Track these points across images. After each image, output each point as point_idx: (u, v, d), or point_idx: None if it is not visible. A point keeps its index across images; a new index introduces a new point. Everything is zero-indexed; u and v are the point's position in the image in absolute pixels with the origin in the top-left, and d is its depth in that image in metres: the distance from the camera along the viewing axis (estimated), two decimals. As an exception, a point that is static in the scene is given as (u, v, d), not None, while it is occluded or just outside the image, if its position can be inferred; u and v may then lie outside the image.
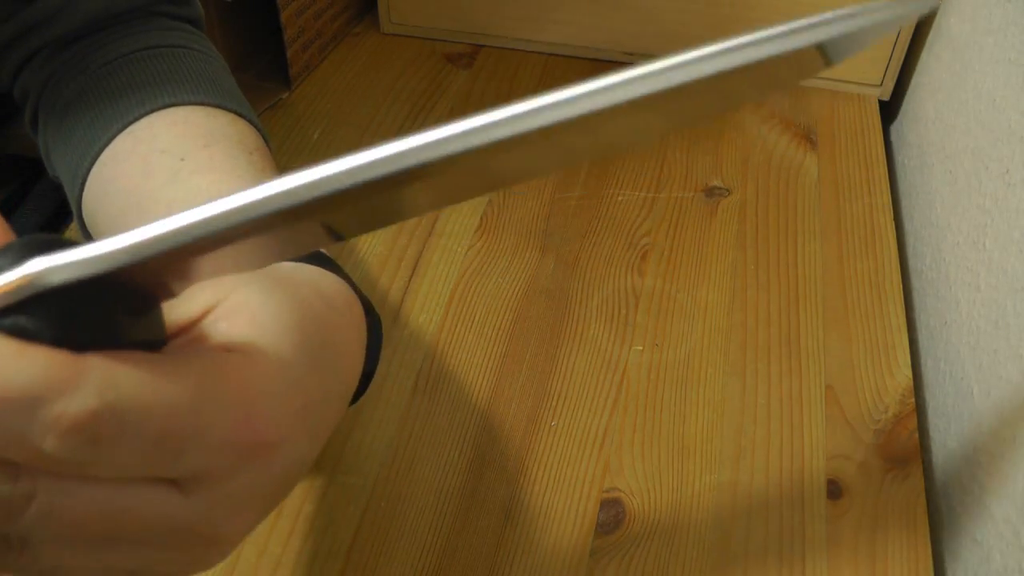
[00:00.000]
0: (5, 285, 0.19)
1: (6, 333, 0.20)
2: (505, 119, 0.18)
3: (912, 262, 0.63)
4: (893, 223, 0.62)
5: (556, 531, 0.44)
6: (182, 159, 0.38)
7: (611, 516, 0.45)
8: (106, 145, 0.41)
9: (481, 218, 0.62)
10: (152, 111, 0.41)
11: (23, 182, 0.64)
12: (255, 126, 0.43)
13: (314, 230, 0.21)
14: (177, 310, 0.27)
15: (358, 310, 0.35)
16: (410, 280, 0.57)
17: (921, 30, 0.73)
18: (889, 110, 0.78)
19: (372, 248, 0.59)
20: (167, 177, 0.38)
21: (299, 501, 0.45)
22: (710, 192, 0.64)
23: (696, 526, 0.44)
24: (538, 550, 0.43)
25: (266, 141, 0.43)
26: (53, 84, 0.44)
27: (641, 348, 0.53)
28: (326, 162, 0.19)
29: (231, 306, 0.28)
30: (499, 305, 0.55)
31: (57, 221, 0.60)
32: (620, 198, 0.64)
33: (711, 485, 0.46)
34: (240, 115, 0.43)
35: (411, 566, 0.43)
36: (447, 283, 0.57)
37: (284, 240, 0.22)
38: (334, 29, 0.81)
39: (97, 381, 0.21)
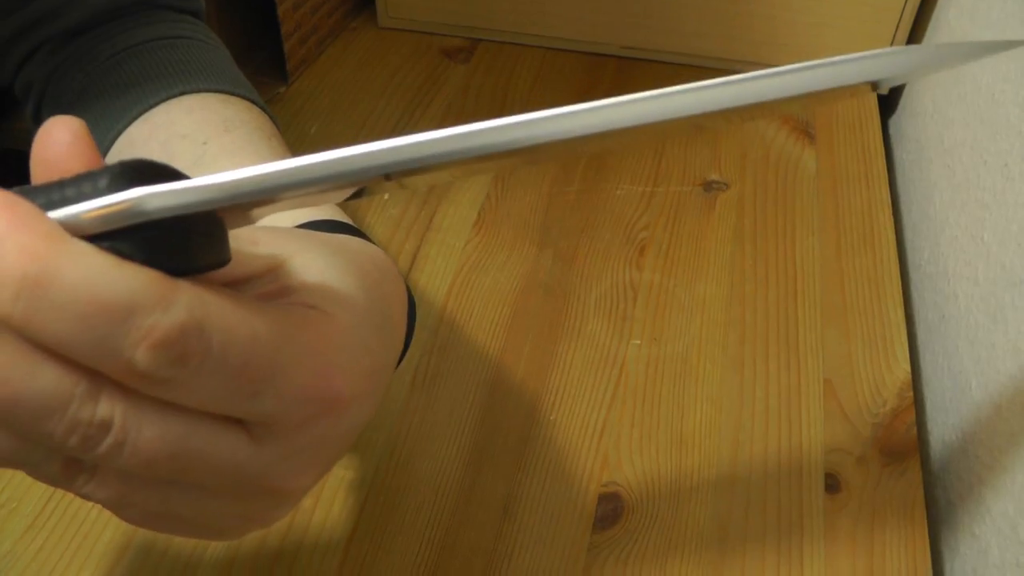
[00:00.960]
0: (104, 208, 0.20)
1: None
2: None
3: (910, 256, 0.63)
4: (892, 217, 0.62)
5: (554, 525, 0.44)
6: (204, 143, 0.39)
7: (609, 510, 0.45)
8: (120, 132, 0.41)
9: (479, 213, 0.62)
10: (168, 99, 0.41)
11: (20, 178, 0.64)
12: (267, 113, 0.44)
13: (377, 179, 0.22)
14: (242, 261, 0.27)
15: (401, 283, 0.36)
16: (408, 274, 0.57)
17: (920, 23, 0.73)
18: (887, 104, 0.78)
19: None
20: (191, 160, 0.38)
21: (297, 495, 0.45)
22: (708, 186, 0.64)
23: (694, 519, 0.44)
24: (536, 544, 0.43)
25: (278, 129, 0.43)
26: (58, 77, 0.44)
27: (639, 342, 0.53)
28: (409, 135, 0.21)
29: (300, 265, 0.28)
30: (497, 300, 0.55)
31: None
32: (618, 192, 0.64)
33: (709, 479, 0.46)
34: (253, 102, 0.43)
35: (410, 560, 0.43)
36: (445, 278, 0.57)
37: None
38: (331, 23, 0.81)
39: (188, 300, 0.21)
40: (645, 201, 0.63)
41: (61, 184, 0.20)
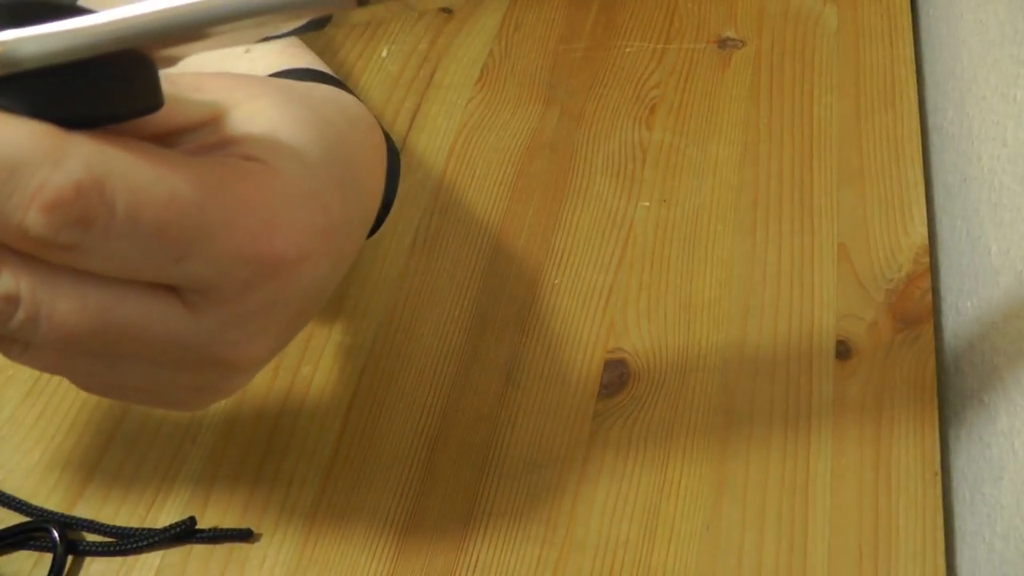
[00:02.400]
0: None
1: None
2: None
3: (932, 117, 0.60)
4: (915, 76, 0.59)
5: (558, 392, 0.44)
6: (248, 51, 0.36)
7: (615, 377, 0.44)
8: None
9: (482, 69, 0.59)
10: None
11: None
12: None
13: None
14: (180, 109, 0.25)
15: (379, 132, 0.33)
16: (407, 134, 0.55)
17: None
18: (914, -44, 0.73)
19: (367, 101, 0.57)
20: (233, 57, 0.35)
21: (296, 360, 0.44)
22: (723, 43, 0.61)
23: (702, 386, 0.44)
24: (540, 412, 0.43)
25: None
26: None
27: (648, 204, 0.51)
28: None
29: (246, 114, 0.26)
30: (501, 159, 0.53)
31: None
32: (628, 49, 0.61)
33: (718, 345, 0.45)
34: None
35: (411, 427, 0.42)
36: (446, 137, 0.55)
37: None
38: None
39: (86, 154, 0.19)
40: (656, 59, 0.60)
41: None
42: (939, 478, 0.41)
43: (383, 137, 0.34)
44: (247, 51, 0.34)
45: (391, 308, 0.46)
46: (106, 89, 0.20)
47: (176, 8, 0.17)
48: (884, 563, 0.39)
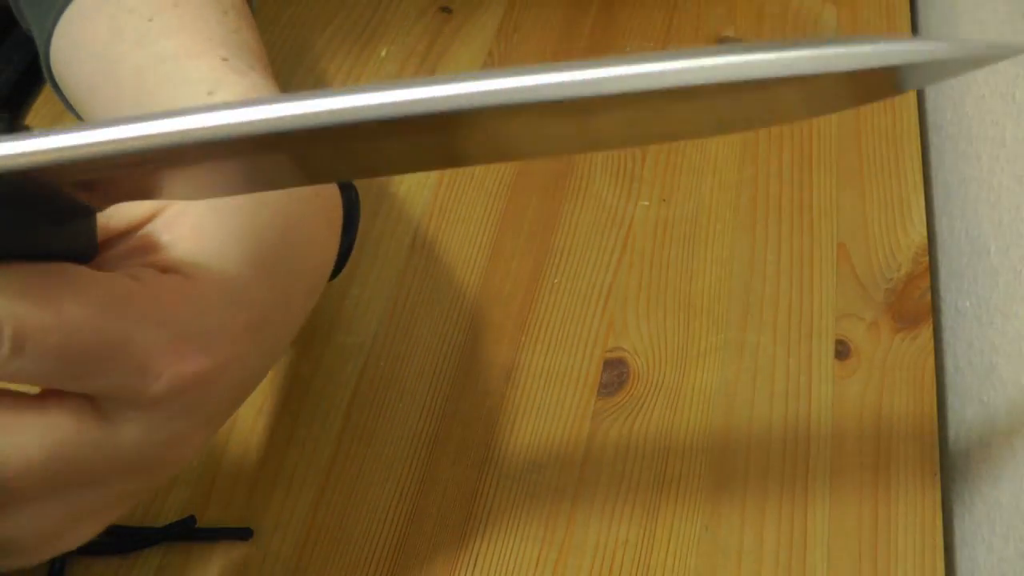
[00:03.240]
0: None
1: None
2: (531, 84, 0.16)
3: (931, 117, 0.60)
4: (914, 75, 0.59)
5: (558, 392, 0.44)
6: (150, 20, 0.35)
7: (614, 376, 0.44)
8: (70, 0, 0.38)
9: (482, 69, 0.59)
10: None
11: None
12: None
13: (280, 165, 0.19)
14: (119, 213, 0.25)
15: (331, 195, 0.33)
16: (407, 134, 0.55)
17: None
18: (913, -44, 0.73)
19: (367, 100, 0.57)
20: (135, 40, 0.35)
21: (296, 361, 0.44)
22: (723, 43, 0.61)
23: (701, 386, 0.44)
24: (539, 411, 0.43)
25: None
26: None
27: (648, 203, 0.51)
28: (304, 94, 0.16)
29: (173, 214, 0.26)
30: (500, 160, 0.53)
31: (30, 76, 0.57)
32: (628, 49, 0.61)
33: (717, 344, 0.45)
34: None
35: (410, 427, 0.42)
36: (446, 137, 0.55)
37: (241, 173, 0.20)
38: None
39: None
40: (655, 57, 0.60)
41: None
42: (938, 478, 0.42)
43: (336, 193, 0.34)
44: (209, 93, 0.34)
45: (390, 308, 0.46)
46: (37, 229, 0.20)
47: (98, 142, 0.16)
48: (884, 563, 0.39)
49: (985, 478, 0.43)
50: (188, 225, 0.26)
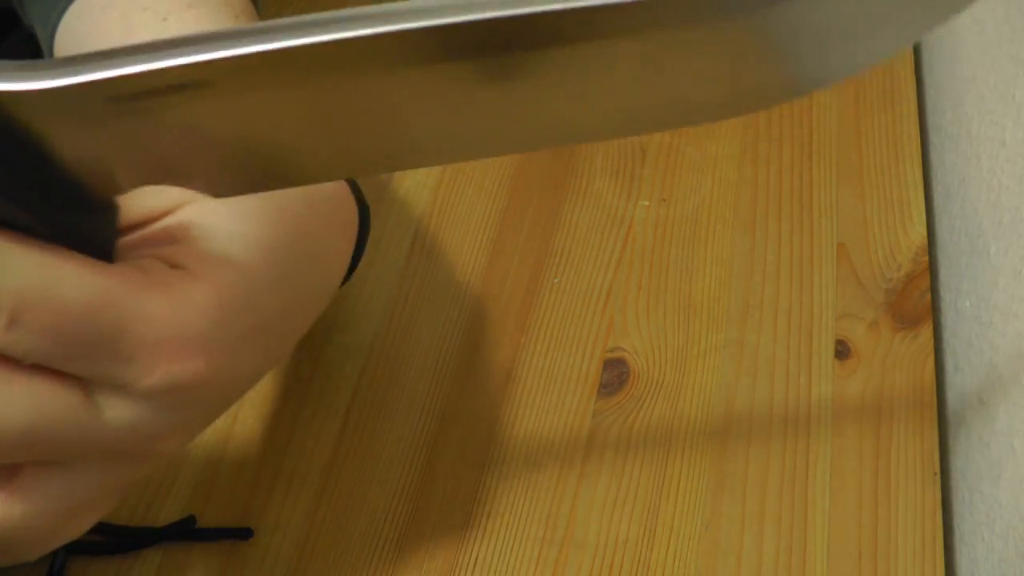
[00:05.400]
0: None
1: None
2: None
3: (931, 117, 0.60)
4: (914, 76, 0.59)
5: (558, 392, 0.44)
6: (164, 19, 0.35)
7: (615, 376, 0.44)
8: None
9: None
10: None
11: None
12: None
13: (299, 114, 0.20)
14: (137, 202, 0.25)
15: (349, 208, 0.33)
16: (407, 134, 0.55)
17: None
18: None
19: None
20: (150, 38, 0.35)
21: (296, 361, 0.44)
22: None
23: (701, 386, 0.44)
24: (540, 411, 0.43)
25: (255, 2, 0.40)
26: None
27: (648, 203, 0.51)
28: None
29: (191, 212, 0.26)
30: (499, 159, 0.53)
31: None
32: (627, 48, 0.61)
33: (717, 344, 0.45)
34: None
35: (410, 427, 0.42)
36: (445, 137, 0.55)
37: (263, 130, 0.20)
38: None
39: None
40: (655, 57, 0.60)
41: None
42: (938, 478, 0.42)
43: (355, 210, 0.34)
44: (164, 19, 0.34)
45: (391, 308, 0.46)
46: (55, 219, 0.21)
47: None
48: (883, 562, 0.39)
49: (985, 478, 0.43)
50: (205, 224, 0.26)
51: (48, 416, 0.23)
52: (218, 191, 0.22)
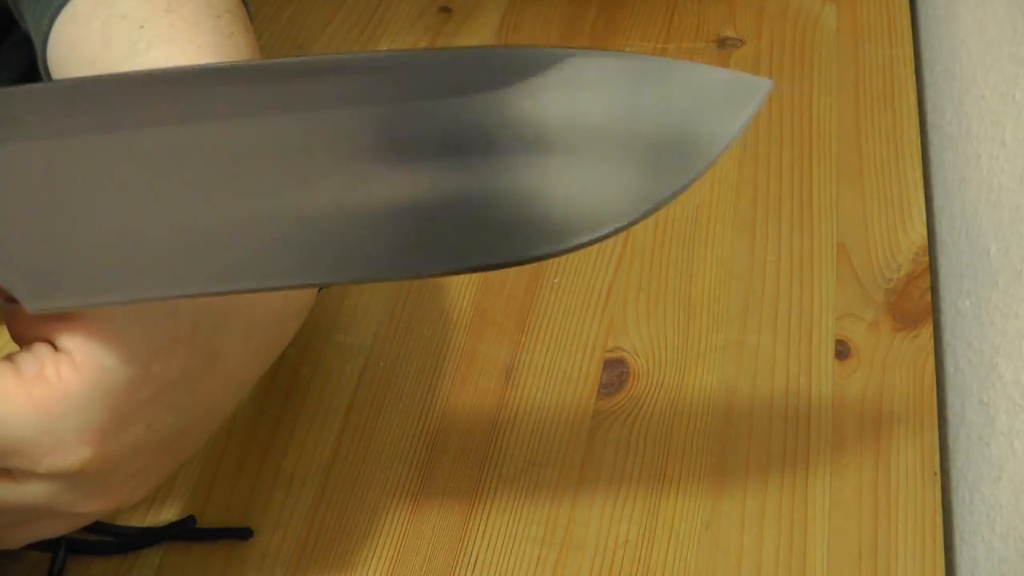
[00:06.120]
0: None
1: None
2: None
3: (931, 117, 0.60)
4: (914, 76, 0.59)
5: (558, 392, 0.44)
6: (141, 27, 0.35)
7: (615, 376, 0.44)
8: (66, 1, 0.37)
9: (481, 69, 0.59)
10: None
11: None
12: None
13: None
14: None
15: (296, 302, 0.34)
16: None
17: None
18: (913, -44, 0.73)
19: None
20: (126, 50, 0.35)
21: (296, 362, 0.44)
22: (722, 43, 0.61)
23: (701, 386, 0.44)
24: (540, 411, 0.43)
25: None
26: None
27: (647, 205, 0.51)
28: None
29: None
30: (500, 160, 0.53)
31: (30, 77, 0.57)
32: (628, 49, 0.61)
33: (717, 344, 0.45)
34: None
35: (410, 427, 0.42)
36: (446, 137, 0.55)
37: None
38: None
39: None
40: (655, 57, 0.60)
41: None
42: (938, 478, 0.42)
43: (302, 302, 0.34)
44: (140, 27, 0.34)
45: (391, 308, 0.46)
46: None
47: None
48: (883, 563, 0.39)
49: (985, 478, 0.43)
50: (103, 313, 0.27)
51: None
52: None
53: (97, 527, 0.39)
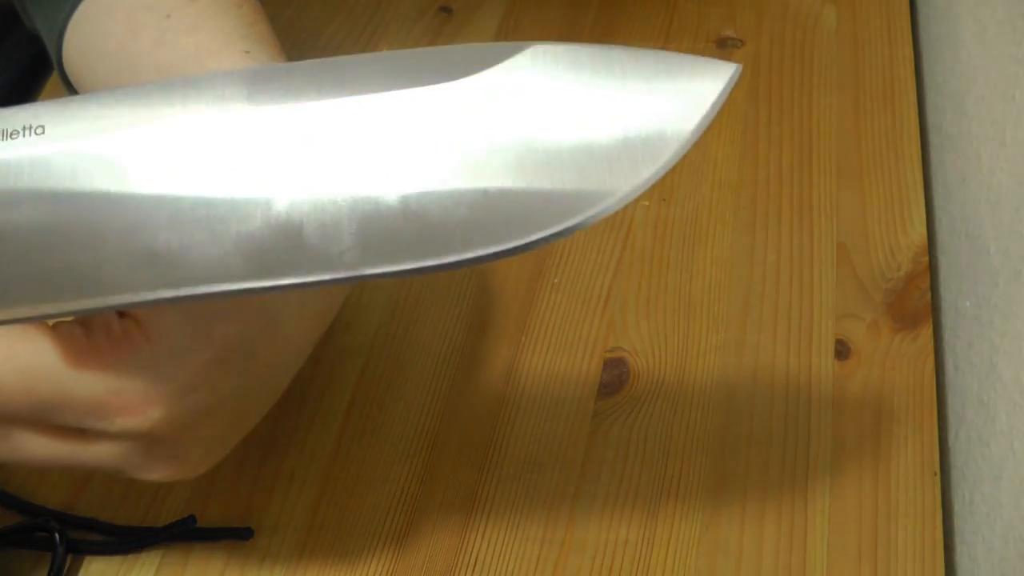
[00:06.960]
0: None
1: None
2: None
3: (931, 117, 0.60)
4: (914, 76, 0.59)
5: (558, 392, 0.44)
6: (168, 16, 0.36)
7: (615, 376, 0.44)
8: None
9: (481, 69, 0.59)
10: None
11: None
12: None
13: None
14: None
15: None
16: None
17: None
18: (913, -44, 0.73)
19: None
20: (154, 38, 0.36)
21: (295, 360, 0.44)
22: (722, 43, 0.62)
23: (701, 386, 0.44)
24: (540, 411, 0.43)
25: None
26: None
27: (647, 203, 0.51)
28: None
29: None
30: (500, 160, 0.53)
31: (31, 75, 0.57)
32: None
33: (717, 344, 0.45)
34: None
35: (410, 426, 0.42)
36: (446, 137, 0.55)
37: None
38: None
39: None
40: (655, 58, 0.60)
41: None
42: (938, 478, 0.41)
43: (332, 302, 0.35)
44: (167, 16, 0.35)
45: (391, 308, 0.46)
46: None
47: None
48: (883, 563, 0.39)
49: (985, 478, 0.43)
50: None
51: (59, 453, 0.27)
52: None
53: (97, 527, 0.39)
